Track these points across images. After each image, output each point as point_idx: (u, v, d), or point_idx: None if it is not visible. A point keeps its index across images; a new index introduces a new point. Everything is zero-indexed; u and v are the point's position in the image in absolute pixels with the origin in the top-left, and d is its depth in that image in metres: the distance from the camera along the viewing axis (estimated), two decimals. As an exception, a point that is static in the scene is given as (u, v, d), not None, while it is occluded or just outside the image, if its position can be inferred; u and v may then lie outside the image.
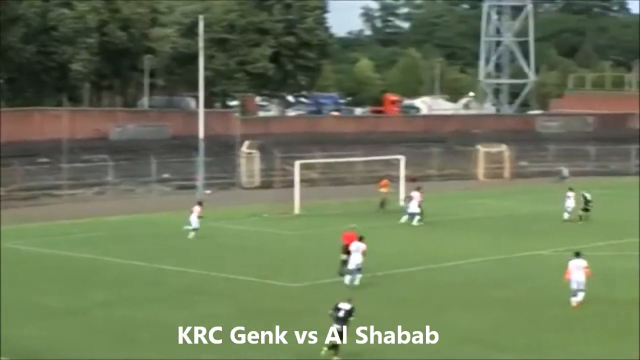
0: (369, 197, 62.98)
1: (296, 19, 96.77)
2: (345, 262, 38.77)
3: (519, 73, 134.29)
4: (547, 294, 36.76)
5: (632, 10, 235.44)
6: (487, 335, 30.86)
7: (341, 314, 27.54)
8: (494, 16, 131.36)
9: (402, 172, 64.49)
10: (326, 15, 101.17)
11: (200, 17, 70.94)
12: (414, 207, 54.70)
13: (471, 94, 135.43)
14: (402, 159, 65.23)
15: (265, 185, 73.50)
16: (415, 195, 55.45)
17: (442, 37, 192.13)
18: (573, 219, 56.30)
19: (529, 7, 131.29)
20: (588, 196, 57.35)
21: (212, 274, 40.52)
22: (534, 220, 57.71)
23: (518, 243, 48.85)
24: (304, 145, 78.24)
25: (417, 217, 54.53)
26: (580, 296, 34.70)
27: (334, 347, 27.40)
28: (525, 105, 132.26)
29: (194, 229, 49.49)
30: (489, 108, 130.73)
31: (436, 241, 49.77)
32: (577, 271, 34.75)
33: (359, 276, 37.78)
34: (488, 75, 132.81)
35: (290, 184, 62.12)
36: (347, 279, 37.78)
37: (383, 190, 61.15)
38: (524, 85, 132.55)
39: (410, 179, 68.52)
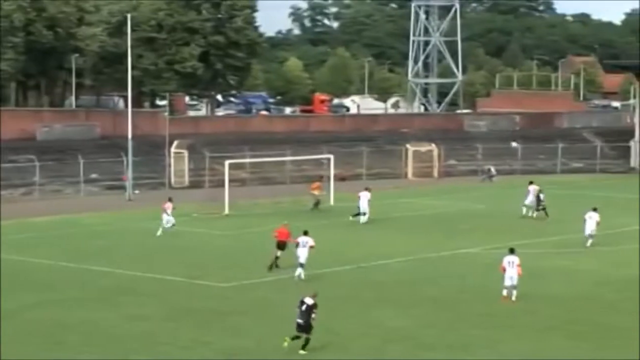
0: (299, 197, 63.05)
1: (225, 19, 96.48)
2: (278, 258, 40.03)
3: (447, 72, 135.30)
4: (475, 292, 37.13)
5: (558, 10, 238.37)
6: (414, 333, 31.07)
7: (304, 307, 28.63)
8: (422, 16, 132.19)
9: (332, 171, 64.72)
10: (255, 14, 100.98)
11: (128, 15, 70.45)
12: (363, 206, 55.29)
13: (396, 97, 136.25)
14: (332, 158, 65.49)
15: (195, 185, 73.28)
16: (364, 194, 55.91)
17: (371, 36, 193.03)
18: (528, 216, 57.20)
19: (457, 7, 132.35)
20: (542, 196, 58.09)
21: (140, 275, 40.32)
22: (462, 218, 58.19)
23: (447, 241, 49.23)
24: (234, 145, 78.07)
25: (365, 216, 55.18)
26: (513, 294, 35.37)
27: (297, 338, 28.49)
28: (453, 104, 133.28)
29: (173, 225, 50.43)
30: (417, 107, 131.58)
31: (366, 240, 49.96)
32: (510, 268, 35.50)
33: (301, 270, 38.90)
34: (417, 75, 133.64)
35: (220, 184, 62.02)
36: (298, 272, 38.82)
37: (315, 192, 61.34)
38: (452, 84, 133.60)
39: (339, 178, 68.90)
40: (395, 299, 36.08)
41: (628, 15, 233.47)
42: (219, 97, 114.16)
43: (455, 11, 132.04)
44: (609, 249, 47.32)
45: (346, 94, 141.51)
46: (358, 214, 55.42)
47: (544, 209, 57.77)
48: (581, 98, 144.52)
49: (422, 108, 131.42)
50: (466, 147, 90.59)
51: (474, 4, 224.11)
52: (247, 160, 72.71)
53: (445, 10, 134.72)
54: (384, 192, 71.41)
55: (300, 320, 28.69)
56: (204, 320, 31.86)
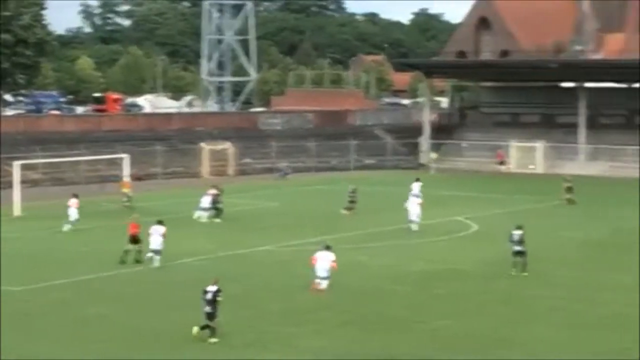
0: (94, 197, 62.08)
1: (12, 16, 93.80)
2: (127, 252, 41.75)
3: (241, 71, 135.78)
4: (272, 289, 37.41)
5: (348, 10, 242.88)
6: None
7: (209, 296, 29.80)
8: (215, 14, 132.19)
9: (127, 170, 63.99)
10: (44, 12, 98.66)
11: None
12: (205, 203, 56.02)
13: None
14: (126, 158, 64.74)
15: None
16: (210, 192, 56.42)
17: (164, 35, 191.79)
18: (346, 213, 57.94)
19: (249, 5, 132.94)
20: (351, 188, 58.82)
21: None
22: (258, 216, 58.53)
23: (244, 239, 49.39)
24: (24, 145, 76.11)
25: (209, 213, 55.75)
26: (325, 284, 36.52)
27: (206, 327, 29.58)
28: (247, 102, 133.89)
29: (76, 220, 50.91)
30: (212, 106, 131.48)
31: (166, 239, 49.50)
32: (322, 260, 36.89)
33: (158, 257, 41.05)
34: (210, 73, 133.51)
35: (10, 185, 60.34)
36: (155, 260, 41.09)
37: (125, 190, 61.01)
38: (246, 83, 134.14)
39: (135, 178, 68.15)
40: (191, 298, 35.84)
41: (416, 15, 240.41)
42: (8, 97, 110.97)
43: (248, 10, 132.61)
44: (400, 242, 48.55)
45: (139, 92, 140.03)
46: (203, 210, 55.95)
47: (352, 202, 58.51)
48: (372, 96, 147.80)
49: (217, 106, 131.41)
50: (261, 145, 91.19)
51: (266, 3, 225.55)
52: (39, 160, 70.93)
53: (237, 8, 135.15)
54: (179, 191, 71.20)
55: (207, 308, 29.69)
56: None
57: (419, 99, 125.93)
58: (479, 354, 28.68)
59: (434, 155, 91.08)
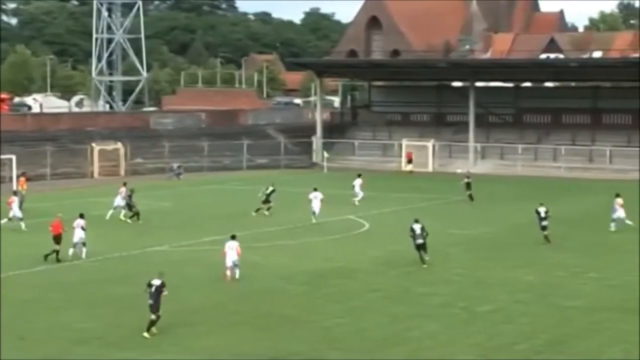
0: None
1: None
2: (57, 252, 42.59)
3: (132, 70, 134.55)
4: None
5: (240, 9, 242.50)
6: (102, 334, 30.80)
7: (153, 289, 30.68)
8: (105, 13, 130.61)
9: (15, 172, 62.99)
10: None
11: None
12: (118, 202, 56.38)
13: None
14: (14, 159, 63.73)
15: None
16: (121, 191, 56.82)
17: (52, 33, 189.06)
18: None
19: (139, 4, 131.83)
20: (270, 189, 58.58)
21: None
22: (150, 216, 58.12)
23: (137, 240, 49.07)
24: None
25: (124, 212, 56.17)
26: (237, 273, 38.52)
27: (152, 323, 30.35)
28: (139, 102, 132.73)
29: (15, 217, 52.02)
30: (102, 105, 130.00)
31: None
32: (230, 251, 38.72)
33: (85, 249, 43.10)
34: (101, 73, 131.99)
35: None
36: (82, 252, 43.12)
37: (19, 188, 60.41)
38: (137, 82, 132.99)
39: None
40: (83, 299, 35.61)
41: (307, 14, 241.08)
42: None
43: (138, 9, 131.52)
44: (293, 242, 48.79)
45: (28, 92, 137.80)
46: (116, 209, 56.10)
47: (266, 202, 58.31)
48: (264, 95, 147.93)
49: (107, 106, 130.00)
50: (153, 144, 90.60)
51: (156, 2, 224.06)
52: None
53: (128, 7, 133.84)
54: (70, 192, 70.37)
55: (151, 301, 30.54)
56: None
57: (311, 98, 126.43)
58: (370, 352, 29.01)
59: (326, 154, 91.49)
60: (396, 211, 59.94)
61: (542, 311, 33.85)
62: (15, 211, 52.23)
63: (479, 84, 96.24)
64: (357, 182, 63.63)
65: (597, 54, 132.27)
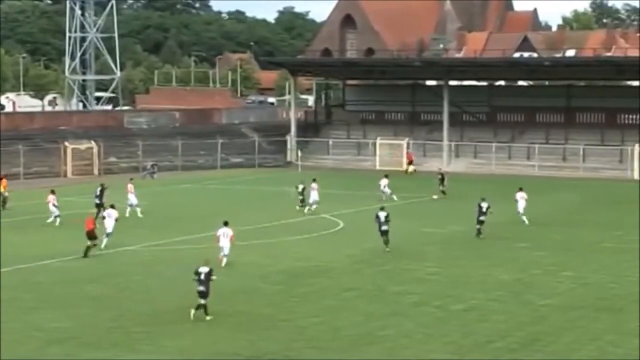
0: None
1: None
2: (92, 247, 43.94)
3: (105, 69, 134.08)
4: (137, 290, 37.10)
5: (214, 8, 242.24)
6: (77, 334, 30.61)
7: (202, 276, 32.27)
8: (78, 12, 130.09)
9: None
10: None
11: None
12: (132, 199, 58.10)
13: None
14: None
15: None
16: (130, 187, 58.36)
17: (25, 32, 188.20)
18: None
19: (113, 3, 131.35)
20: (300, 187, 59.06)
21: None
22: (125, 216, 57.81)
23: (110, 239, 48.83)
24: None
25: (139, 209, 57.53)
26: (224, 261, 40.72)
27: (200, 307, 32.10)
28: (112, 101, 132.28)
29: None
30: (76, 104, 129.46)
31: (26, 241, 48.68)
32: (224, 238, 41.19)
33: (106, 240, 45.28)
34: (74, 72, 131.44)
35: None
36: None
37: (1, 190, 60.07)
38: (111, 81, 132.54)
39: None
40: (56, 300, 35.39)
41: (281, 13, 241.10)
42: None
43: (112, 7, 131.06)
44: (268, 241, 48.69)
45: (0, 91, 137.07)
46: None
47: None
48: (239, 94, 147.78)
49: (81, 105, 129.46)
50: (126, 144, 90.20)
51: (130, 1, 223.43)
52: None
53: (101, 6, 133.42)
54: (43, 191, 69.86)
55: (201, 288, 32.19)
56: None
57: (286, 97, 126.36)
58: (345, 351, 28.95)
59: (299, 153, 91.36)
60: (370, 210, 59.92)
61: (517, 309, 33.90)
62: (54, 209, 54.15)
63: (452, 82, 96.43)
64: (384, 181, 64.52)
65: (570, 53, 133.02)
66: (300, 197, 59.10)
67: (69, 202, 63.45)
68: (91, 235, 44.11)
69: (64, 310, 33.76)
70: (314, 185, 60.60)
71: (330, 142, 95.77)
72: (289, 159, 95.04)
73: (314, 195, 59.45)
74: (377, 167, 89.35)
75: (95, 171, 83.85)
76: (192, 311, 32.05)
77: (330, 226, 53.73)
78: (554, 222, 55.40)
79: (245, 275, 39.87)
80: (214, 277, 32.68)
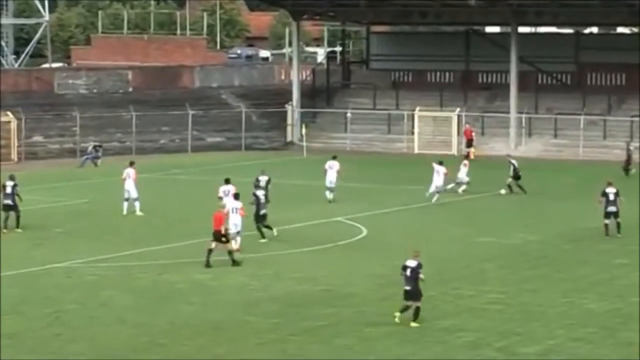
0: None
1: None
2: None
3: (29, 10, 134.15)
4: (73, 325, 37.12)
5: None
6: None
7: (409, 272, 36.01)
8: None
9: None
10: None
11: None
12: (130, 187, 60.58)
13: None
14: None
15: None
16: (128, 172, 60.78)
17: None
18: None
19: None
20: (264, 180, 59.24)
21: None
22: (56, 219, 58.00)
23: (35, 253, 49.08)
24: None
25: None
26: (238, 241, 47.08)
27: (406, 309, 35.91)
28: (38, 56, 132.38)
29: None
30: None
31: None
32: (233, 214, 46.98)
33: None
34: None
35: None
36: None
37: None
38: (36, 27, 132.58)
39: None
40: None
41: None
42: None
43: None
44: (258, 255, 48.73)
45: None
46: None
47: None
48: (218, 46, 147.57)
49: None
50: (58, 117, 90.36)
51: None
52: None
53: None
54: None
55: (407, 287, 35.69)
56: None
57: (285, 50, 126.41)
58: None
59: (304, 129, 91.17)
60: (405, 211, 59.99)
61: (613, 353, 33.91)
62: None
63: (523, 29, 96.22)
64: (463, 170, 66.19)
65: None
66: (264, 193, 55.52)
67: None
68: (220, 236, 46.10)
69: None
70: (332, 163, 62.65)
71: (349, 115, 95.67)
72: (289, 138, 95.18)
73: (330, 176, 62.20)
74: (416, 151, 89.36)
75: (14, 155, 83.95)
76: (397, 314, 35.59)
77: (348, 234, 53.70)
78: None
79: (225, 303, 39.89)
80: (422, 276, 36.06)
